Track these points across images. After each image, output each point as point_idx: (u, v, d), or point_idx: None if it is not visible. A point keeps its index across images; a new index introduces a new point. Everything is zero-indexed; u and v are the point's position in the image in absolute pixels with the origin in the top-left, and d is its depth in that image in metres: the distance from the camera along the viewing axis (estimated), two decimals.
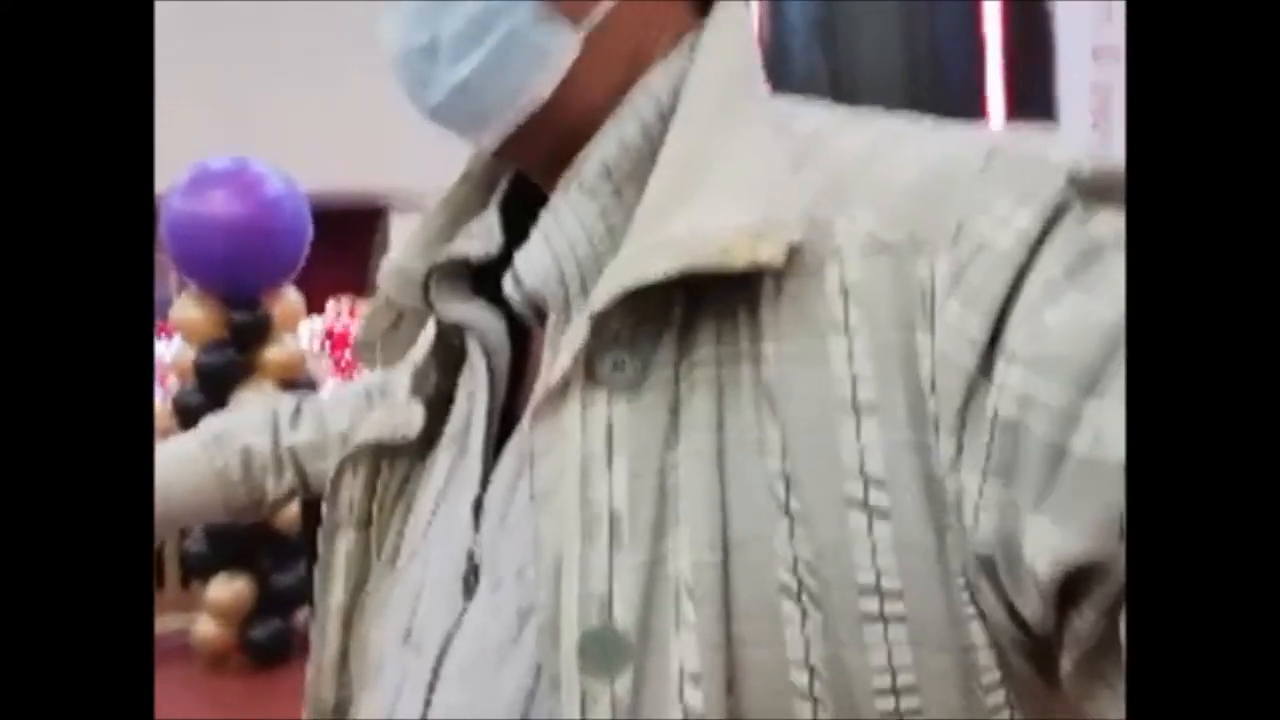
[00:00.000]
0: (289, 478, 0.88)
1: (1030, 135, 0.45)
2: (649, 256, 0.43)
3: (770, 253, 0.42)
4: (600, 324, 0.43)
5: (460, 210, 0.56)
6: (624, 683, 0.40)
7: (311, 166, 3.83)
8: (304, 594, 4.07)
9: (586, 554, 0.42)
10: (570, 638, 0.41)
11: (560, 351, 0.45)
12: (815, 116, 0.49)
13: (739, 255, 0.42)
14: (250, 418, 0.91)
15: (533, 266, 0.47)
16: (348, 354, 5.83)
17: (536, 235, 0.48)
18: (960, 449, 0.40)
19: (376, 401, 0.82)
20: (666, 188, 0.45)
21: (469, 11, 0.46)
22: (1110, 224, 0.40)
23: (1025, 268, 0.39)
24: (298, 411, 0.89)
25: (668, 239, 0.43)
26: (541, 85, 0.47)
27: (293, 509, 3.90)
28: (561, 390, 0.44)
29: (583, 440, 0.43)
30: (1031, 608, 0.39)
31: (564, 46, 0.47)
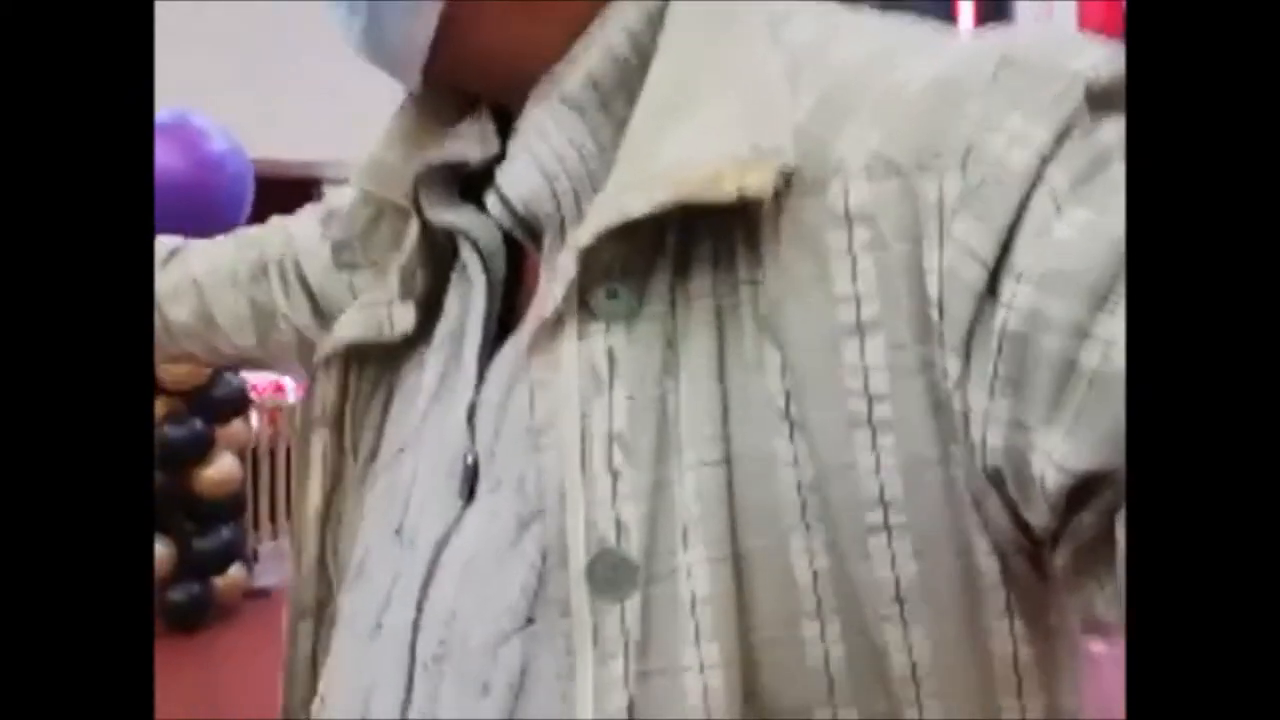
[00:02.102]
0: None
1: (1045, 39, 0.42)
2: (634, 190, 0.42)
3: (760, 182, 0.41)
4: (589, 257, 0.42)
5: (438, 104, 0.54)
6: (633, 604, 0.41)
7: (242, 135, 3.71)
8: (225, 559, 3.98)
9: (590, 482, 0.42)
10: (578, 563, 0.41)
11: (555, 279, 0.44)
12: (810, 21, 0.47)
13: (726, 186, 0.41)
14: None
15: (520, 185, 0.46)
16: None
17: (518, 150, 0.46)
18: (967, 367, 0.39)
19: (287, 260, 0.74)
20: (655, 109, 0.44)
21: None
22: (1119, 129, 0.39)
23: (1035, 184, 0.39)
24: (172, 254, 0.80)
25: (654, 171, 0.42)
26: (423, 27, 0.47)
27: (220, 470, 3.85)
28: (556, 322, 0.44)
29: (580, 372, 0.43)
30: (1037, 515, 0.39)
31: None
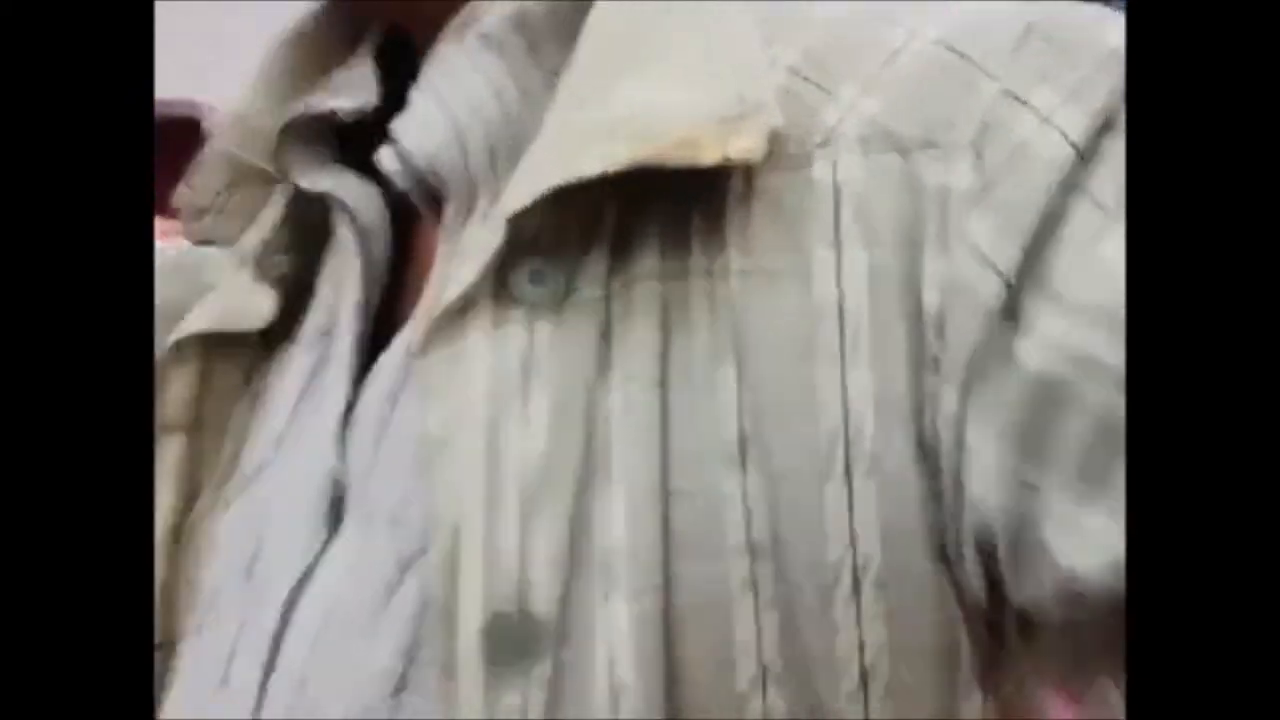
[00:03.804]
0: None
1: (1074, 7, 0.37)
2: (584, 143, 0.36)
3: (747, 145, 0.34)
4: (516, 225, 0.36)
5: (313, 50, 0.48)
6: (540, 672, 0.34)
7: None
8: None
9: (493, 521, 0.35)
10: (472, 623, 0.34)
11: (464, 255, 0.38)
12: None
13: (706, 149, 0.34)
14: None
15: (422, 135, 0.39)
16: None
17: (423, 95, 0.40)
18: (966, 402, 0.34)
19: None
20: (602, 51, 0.38)
21: None
22: None
23: (1072, 184, 0.33)
24: None
25: (607, 120, 0.36)
26: None
27: None
28: (463, 308, 0.36)
29: (491, 371, 0.36)
30: (1029, 590, 0.34)
31: None
